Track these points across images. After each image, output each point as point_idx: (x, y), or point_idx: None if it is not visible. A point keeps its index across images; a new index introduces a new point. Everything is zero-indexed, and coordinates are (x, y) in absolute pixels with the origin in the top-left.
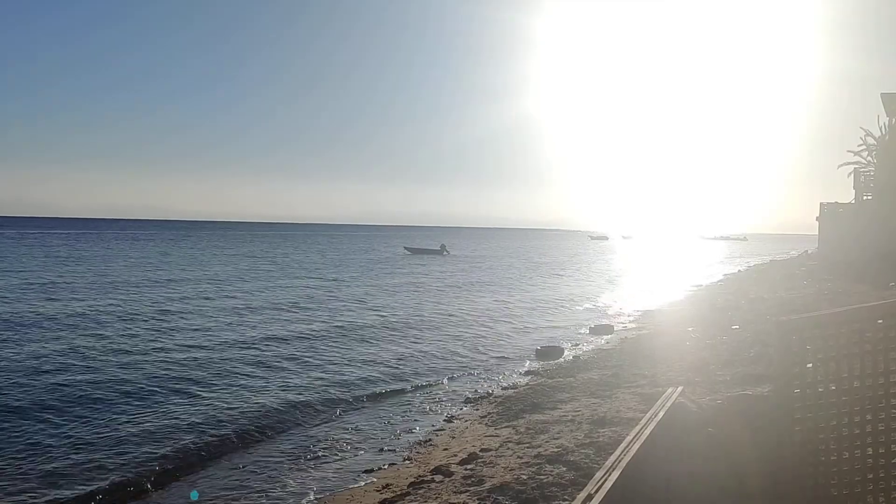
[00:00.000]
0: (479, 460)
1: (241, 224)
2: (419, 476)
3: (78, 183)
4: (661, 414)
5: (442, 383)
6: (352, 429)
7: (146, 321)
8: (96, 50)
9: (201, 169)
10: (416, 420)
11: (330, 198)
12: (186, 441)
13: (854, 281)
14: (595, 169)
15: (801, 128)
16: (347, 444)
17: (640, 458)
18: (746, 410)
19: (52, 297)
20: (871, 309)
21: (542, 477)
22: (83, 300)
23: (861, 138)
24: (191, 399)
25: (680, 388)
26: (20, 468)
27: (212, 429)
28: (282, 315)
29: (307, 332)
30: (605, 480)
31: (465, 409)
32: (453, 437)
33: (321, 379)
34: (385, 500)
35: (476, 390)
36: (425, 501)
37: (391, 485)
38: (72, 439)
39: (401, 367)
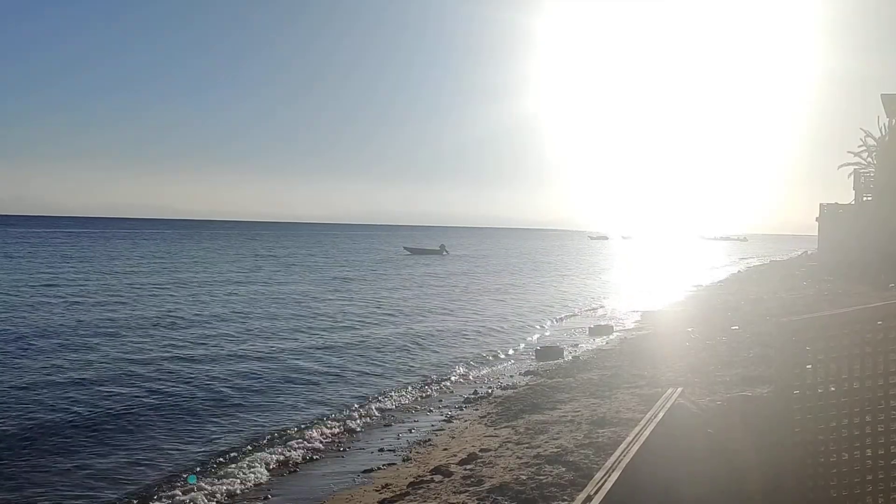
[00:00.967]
0: (479, 460)
1: (241, 223)
2: (418, 476)
3: (78, 182)
4: (660, 415)
5: (441, 383)
6: (350, 428)
7: (155, 324)
8: (97, 49)
9: (201, 168)
10: (415, 420)
11: (330, 197)
12: (181, 434)
13: (854, 282)
14: (595, 169)
15: (801, 128)
16: (346, 443)
17: (639, 460)
18: (746, 411)
19: (74, 297)
20: (870, 310)
21: (541, 477)
22: (122, 305)
23: (861, 139)
24: (187, 393)
25: (679, 389)
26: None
27: (208, 423)
28: (281, 315)
29: (306, 332)
30: (605, 481)
31: (464, 409)
32: (453, 438)
33: (319, 379)
34: (384, 499)
35: (475, 390)
36: (425, 501)
37: (390, 485)
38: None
39: (400, 366)
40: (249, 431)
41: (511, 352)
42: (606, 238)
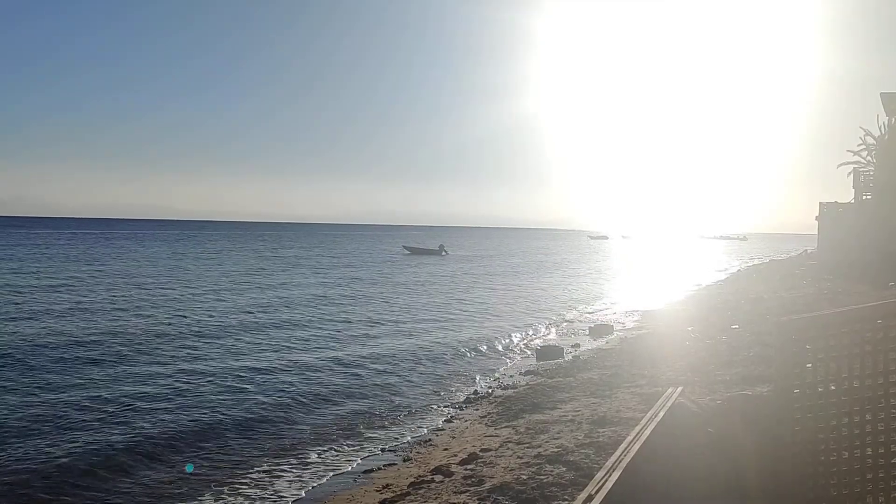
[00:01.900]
0: (479, 460)
1: (242, 224)
2: (419, 476)
3: (77, 183)
4: (661, 414)
5: (442, 383)
6: (351, 428)
7: (163, 320)
8: (97, 50)
9: (201, 168)
10: (415, 420)
11: (330, 197)
12: (187, 433)
13: (854, 281)
14: (595, 169)
15: (800, 127)
16: (347, 443)
17: (640, 459)
18: (746, 410)
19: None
20: (870, 309)
21: (542, 477)
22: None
23: (861, 138)
24: (192, 392)
25: (680, 389)
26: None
27: (211, 422)
28: (281, 315)
29: (306, 331)
30: (606, 481)
31: (465, 409)
32: (453, 438)
33: (320, 378)
34: (385, 500)
35: (476, 390)
36: (425, 501)
37: (391, 485)
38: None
39: (400, 366)
40: (248, 433)
41: (511, 351)
42: (606, 238)
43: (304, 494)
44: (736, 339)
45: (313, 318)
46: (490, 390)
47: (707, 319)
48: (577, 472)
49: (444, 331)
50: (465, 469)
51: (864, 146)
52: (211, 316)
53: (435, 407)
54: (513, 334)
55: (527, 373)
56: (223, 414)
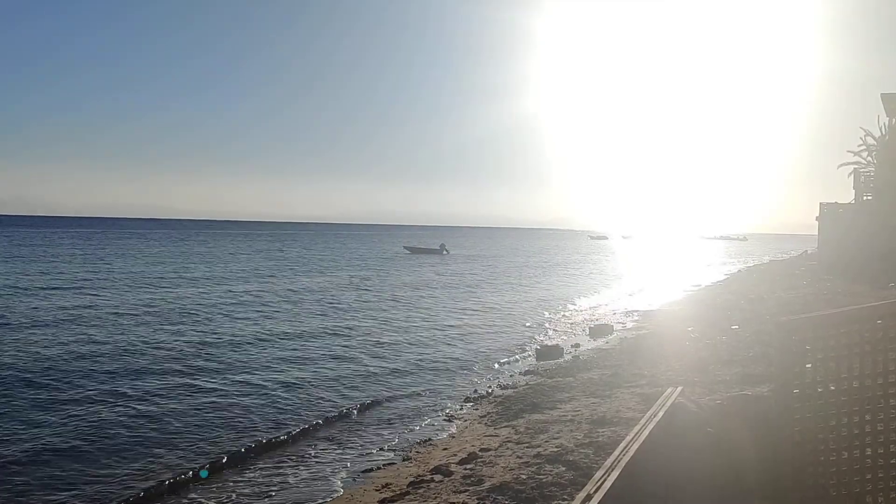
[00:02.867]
0: (479, 460)
1: (243, 223)
2: (419, 476)
3: (77, 182)
4: (660, 414)
5: (441, 382)
6: (350, 429)
7: (169, 317)
8: (96, 50)
9: (201, 168)
10: (415, 419)
11: (330, 197)
12: (189, 436)
13: (854, 281)
14: (595, 169)
15: (800, 128)
16: (346, 444)
17: (639, 458)
18: (746, 410)
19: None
20: (870, 309)
21: (541, 477)
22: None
23: (861, 138)
24: (191, 393)
25: (679, 388)
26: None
27: (212, 424)
28: (282, 313)
29: (307, 330)
30: (605, 480)
31: (464, 408)
32: (453, 437)
33: (320, 377)
34: (384, 499)
35: (475, 390)
36: (425, 501)
37: (391, 484)
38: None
39: (400, 366)
40: (249, 433)
41: (511, 351)
42: (606, 238)
43: (302, 494)
44: (736, 339)
45: (314, 316)
46: (489, 390)
47: (707, 319)
48: (576, 472)
49: (444, 330)
50: (465, 468)
51: (864, 147)
52: (215, 313)
53: (434, 406)
54: (513, 333)
55: (526, 372)
56: (220, 411)
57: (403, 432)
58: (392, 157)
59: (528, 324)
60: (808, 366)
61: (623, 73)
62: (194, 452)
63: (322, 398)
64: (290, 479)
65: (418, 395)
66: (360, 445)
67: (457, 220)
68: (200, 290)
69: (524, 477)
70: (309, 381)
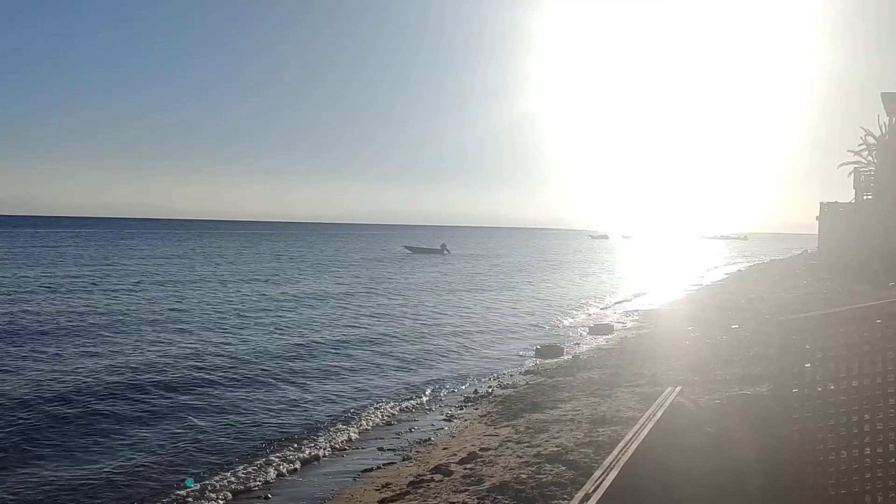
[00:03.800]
0: (479, 459)
1: (244, 223)
2: (419, 475)
3: (77, 182)
4: (659, 413)
5: (442, 382)
6: (351, 427)
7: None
8: (96, 49)
9: (200, 168)
10: (415, 419)
11: (330, 197)
12: (186, 437)
13: (854, 280)
14: (595, 168)
15: (801, 127)
16: (346, 443)
17: (638, 458)
18: (745, 410)
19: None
20: (869, 309)
21: (541, 476)
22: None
23: (861, 138)
24: (192, 393)
25: (679, 388)
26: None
27: (211, 424)
28: (285, 314)
29: (306, 329)
30: (604, 480)
31: (464, 408)
32: (453, 437)
33: (318, 376)
34: (384, 499)
35: (476, 389)
36: (425, 500)
37: (391, 484)
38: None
39: (400, 365)
40: (250, 433)
41: (511, 350)
42: (607, 237)
43: (303, 493)
44: (736, 338)
45: (316, 316)
46: (490, 389)
47: (707, 319)
48: (576, 472)
49: (444, 329)
50: (465, 468)
51: (864, 146)
52: (218, 312)
53: (434, 406)
54: (513, 333)
55: (527, 372)
56: (219, 410)
57: (403, 432)
58: (392, 156)
59: (528, 323)
60: (808, 365)
61: (623, 72)
62: (192, 451)
63: (321, 397)
64: (290, 479)
65: (418, 394)
66: (360, 445)
67: (457, 219)
68: (204, 289)
69: (524, 476)
70: (308, 380)
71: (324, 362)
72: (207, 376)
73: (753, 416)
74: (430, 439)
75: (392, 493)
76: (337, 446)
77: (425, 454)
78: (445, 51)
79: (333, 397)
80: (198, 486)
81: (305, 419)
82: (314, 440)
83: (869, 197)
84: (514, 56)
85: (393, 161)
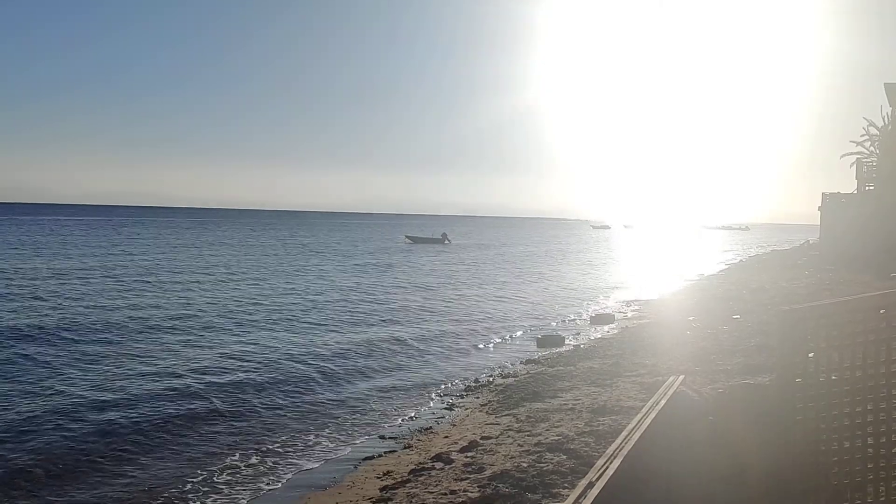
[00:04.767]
0: (480, 448)
1: (244, 212)
2: (420, 463)
3: (67, 171)
4: (661, 403)
5: (443, 371)
6: (352, 417)
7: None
8: (89, 35)
9: (191, 156)
10: (416, 408)
11: (329, 186)
12: (185, 431)
13: (856, 271)
14: (597, 158)
15: (803, 118)
16: (348, 431)
17: (641, 447)
18: (747, 400)
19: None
20: (872, 299)
21: (542, 465)
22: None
23: (864, 128)
24: (194, 378)
25: (681, 378)
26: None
27: (208, 416)
28: (286, 304)
29: (305, 320)
30: (607, 468)
31: (465, 396)
32: (454, 425)
33: (320, 368)
34: (386, 486)
35: (477, 378)
36: (426, 488)
37: (392, 472)
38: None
39: (402, 354)
40: (251, 421)
41: (512, 340)
42: (608, 227)
43: (305, 480)
44: (737, 328)
45: (319, 306)
46: (490, 378)
47: (708, 309)
48: (577, 461)
49: (445, 319)
50: (466, 456)
51: (867, 137)
52: (220, 304)
53: (435, 395)
54: (514, 322)
55: (527, 361)
56: (224, 397)
57: (405, 420)
58: (393, 145)
59: (529, 313)
60: (810, 355)
61: (625, 63)
62: (196, 439)
63: (323, 386)
64: (292, 467)
65: (419, 383)
66: (362, 433)
67: (458, 209)
68: (208, 277)
69: (525, 465)
70: (310, 370)
71: (322, 351)
72: (210, 362)
73: (755, 405)
74: (431, 428)
75: (393, 481)
76: (338, 435)
77: (426, 442)
78: (447, 38)
79: (335, 385)
80: (203, 480)
81: (305, 405)
82: (315, 427)
83: (871, 187)
84: (516, 45)
85: (393, 150)
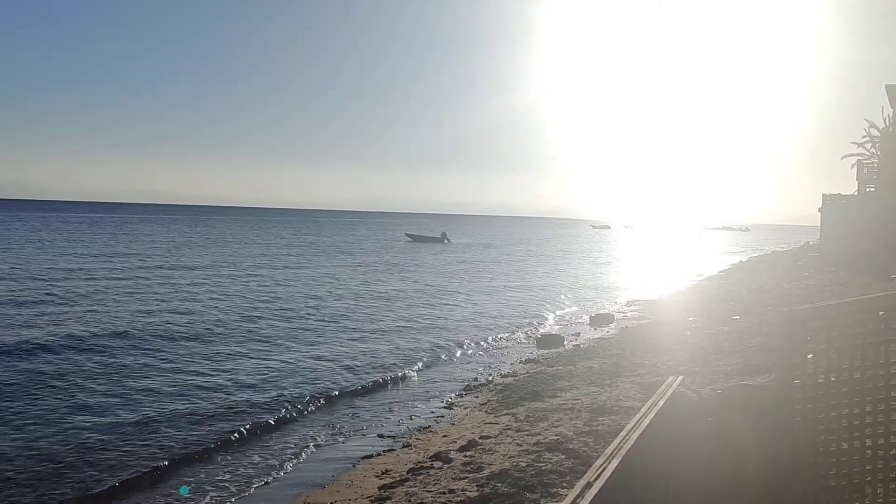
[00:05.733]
0: (479, 447)
1: (244, 209)
2: (418, 462)
3: (64, 168)
4: (660, 403)
5: (442, 370)
6: (351, 415)
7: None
8: (88, 31)
9: (189, 153)
10: (415, 407)
11: (328, 184)
12: (186, 427)
13: (856, 272)
14: (597, 158)
15: (805, 119)
16: (347, 430)
17: (639, 447)
18: (746, 400)
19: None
20: (871, 300)
21: (540, 464)
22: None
23: (865, 130)
24: (193, 375)
25: (680, 378)
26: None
27: (208, 413)
28: (286, 301)
29: (307, 316)
30: (605, 468)
31: (464, 396)
32: (453, 424)
33: (321, 365)
34: (384, 485)
35: (476, 378)
36: (424, 487)
37: (390, 471)
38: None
39: (400, 353)
40: (250, 418)
41: (511, 339)
42: (608, 227)
43: (303, 478)
44: (737, 329)
45: (321, 304)
46: (490, 378)
47: (708, 310)
48: (575, 460)
49: (445, 318)
50: (465, 456)
51: (868, 138)
52: (212, 296)
53: (434, 393)
54: (513, 322)
55: (527, 361)
56: (223, 394)
57: (403, 419)
58: (392, 144)
59: (528, 312)
60: (810, 356)
61: (626, 63)
62: (193, 434)
63: (322, 384)
64: (290, 465)
65: (418, 382)
66: (360, 432)
67: (458, 208)
68: (209, 273)
69: (524, 464)
70: (309, 368)
71: (322, 349)
72: (209, 359)
73: (755, 406)
74: (429, 427)
75: (392, 480)
76: (336, 433)
77: (425, 441)
78: (447, 36)
79: (332, 384)
80: (201, 477)
81: (304, 405)
82: (313, 426)
83: (872, 189)
84: (517, 45)
85: (394, 149)
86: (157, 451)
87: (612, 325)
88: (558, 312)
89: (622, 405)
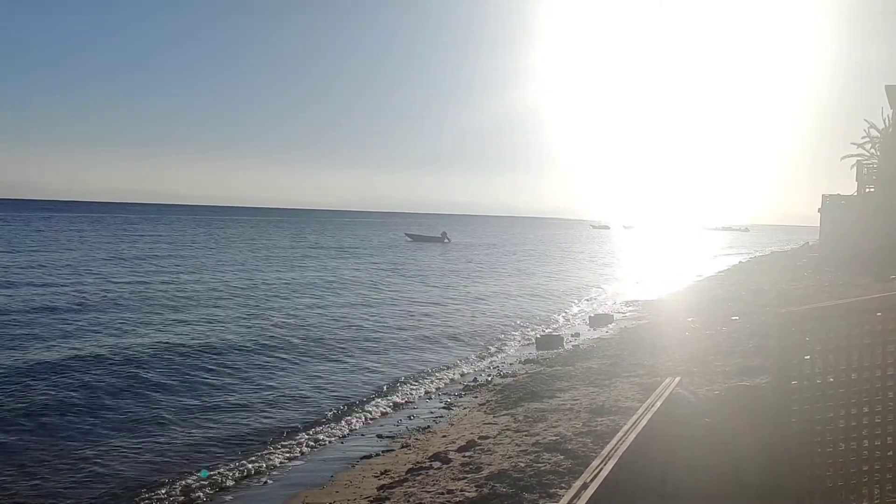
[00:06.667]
0: (478, 448)
1: (246, 209)
2: (417, 462)
3: (68, 167)
4: (658, 404)
5: (441, 370)
6: (349, 415)
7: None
8: (95, 34)
9: (191, 154)
10: (414, 407)
11: (329, 184)
12: (192, 430)
13: (855, 273)
14: (597, 158)
15: (804, 119)
16: (346, 429)
17: (636, 448)
18: (744, 401)
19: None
20: (869, 301)
21: (539, 465)
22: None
23: (865, 130)
24: (196, 379)
25: (678, 379)
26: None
27: (213, 410)
28: (286, 302)
29: (310, 318)
30: (602, 469)
31: (463, 396)
32: (452, 425)
33: (321, 365)
34: (383, 486)
35: (475, 378)
36: (423, 488)
37: (389, 471)
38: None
39: (400, 353)
40: (249, 420)
41: (511, 340)
42: (608, 227)
43: (302, 478)
44: (736, 330)
45: (323, 303)
46: (489, 378)
47: (707, 310)
48: (574, 461)
49: (444, 318)
50: (464, 456)
51: (867, 139)
52: (219, 299)
53: (433, 394)
54: (513, 322)
55: (526, 361)
56: (222, 396)
57: (402, 419)
58: (393, 144)
59: (527, 312)
60: (807, 357)
61: (626, 63)
62: (197, 439)
63: (319, 385)
64: (290, 465)
65: (417, 382)
66: (359, 432)
67: (458, 208)
68: (212, 275)
69: (522, 465)
70: (308, 369)
71: (322, 350)
72: (211, 362)
73: (752, 407)
74: (428, 427)
75: (391, 480)
76: (336, 433)
77: (424, 442)
78: (448, 37)
79: (332, 385)
80: (201, 476)
81: (304, 406)
82: (313, 427)
83: (871, 190)
84: (517, 45)
85: (395, 149)
86: (154, 449)
87: (611, 326)
88: (557, 312)
89: (621, 406)
